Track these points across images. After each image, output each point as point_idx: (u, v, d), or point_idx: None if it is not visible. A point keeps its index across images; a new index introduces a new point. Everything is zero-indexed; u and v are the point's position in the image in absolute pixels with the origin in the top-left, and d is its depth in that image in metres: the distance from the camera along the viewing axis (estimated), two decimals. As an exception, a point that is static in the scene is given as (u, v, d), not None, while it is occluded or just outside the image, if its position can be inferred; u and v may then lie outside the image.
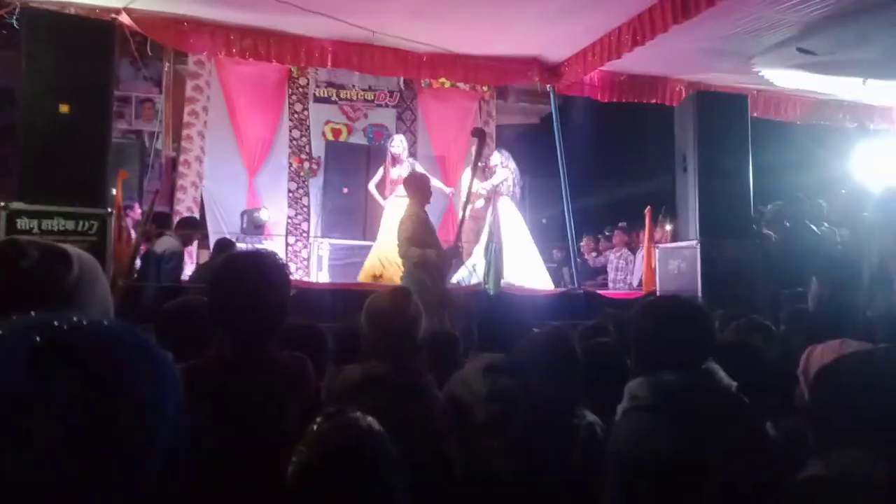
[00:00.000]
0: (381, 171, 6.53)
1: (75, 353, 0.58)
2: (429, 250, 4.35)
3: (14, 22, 4.92)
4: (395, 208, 6.34)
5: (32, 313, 0.62)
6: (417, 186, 4.57)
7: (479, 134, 4.86)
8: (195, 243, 6.92)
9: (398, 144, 6.43)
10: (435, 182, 6.62)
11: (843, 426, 1.31)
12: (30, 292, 1.08)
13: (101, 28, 5.09)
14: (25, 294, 1.07)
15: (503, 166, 6.42)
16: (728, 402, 1.66)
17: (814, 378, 1.56)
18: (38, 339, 0.57)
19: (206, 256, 6.57)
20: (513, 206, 6.48)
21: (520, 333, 2.46)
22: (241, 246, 6.70)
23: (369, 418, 1.29)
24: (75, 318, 0.61)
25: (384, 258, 6.19)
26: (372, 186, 6.63)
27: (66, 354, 0.57)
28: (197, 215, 7.28)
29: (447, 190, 7.05)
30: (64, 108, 4.89)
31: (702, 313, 1.81)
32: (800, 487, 1.31)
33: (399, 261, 6.10)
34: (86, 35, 4.96)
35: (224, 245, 5.86)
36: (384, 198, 6.47)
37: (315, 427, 1.26)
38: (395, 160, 6.38)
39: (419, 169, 6.42)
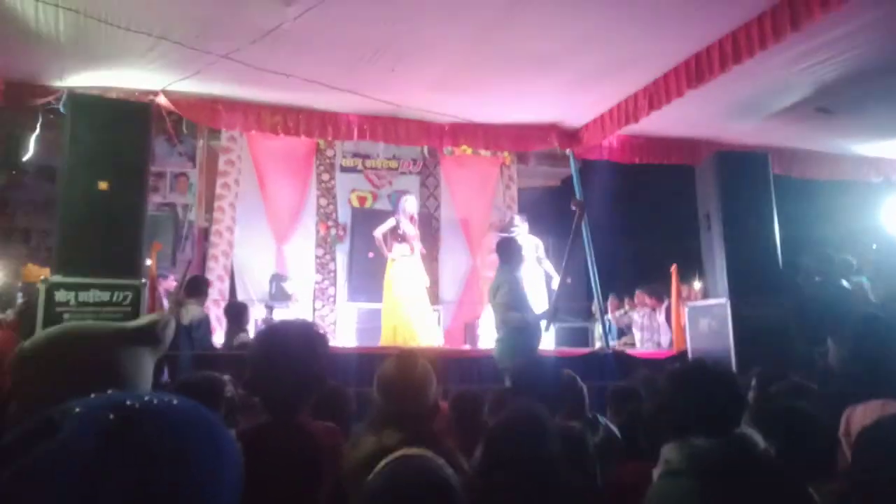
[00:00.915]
0: (391, 221, 6.46)
1: (145, 432, 0.61)
2: (528, 314, 4.56)
3: (61, 107, 5.20)
4: (402, 267, 6.43)
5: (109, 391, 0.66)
6: (511, 251, 4.74)
7: (579, 206, 5.02)
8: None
9: (413, 204, 6.54)
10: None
11: (888, 491, 1.28)
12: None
13: (139, 110, 5.33)
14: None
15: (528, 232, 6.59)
16: (765, 467, 1.62)
17: (855, 440, 1.53)
18: (111, 416, 0.61)
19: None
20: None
21: (554, 395, 2.46)
22: (260, 308, 6.79)
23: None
24: (146, 397, 0.65)
25: (401, 317, 6.28)
26: (378, 234, 6.45)
27: (136, 433, 0.60)
28: (227, 283, 7.43)
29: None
30: (103, 185, 5.10)
31: (729, 377, 1.80)
32: None
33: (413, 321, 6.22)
34: (125, 116, 5.19)
35: (238, 310, 5.93)
36: (389, 249, 6.44)
37: (384, 464, 1.19)
38: (412, 219, 6.48)
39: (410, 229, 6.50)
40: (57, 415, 0.61)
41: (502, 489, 1.65)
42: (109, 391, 0.66)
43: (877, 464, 1.33)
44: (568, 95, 5.68)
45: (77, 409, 0.61)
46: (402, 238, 6.42)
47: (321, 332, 1.84)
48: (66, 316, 4.74)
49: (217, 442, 0.66)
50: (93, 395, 0.65)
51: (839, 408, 2.03)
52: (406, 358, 1.97)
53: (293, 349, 1.68)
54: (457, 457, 1.91)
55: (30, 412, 0.66)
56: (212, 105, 5.79)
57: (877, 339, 4.03)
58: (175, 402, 0.67)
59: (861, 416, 1.88)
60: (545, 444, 1.75)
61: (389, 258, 6.44)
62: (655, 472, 1.68)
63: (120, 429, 0.60)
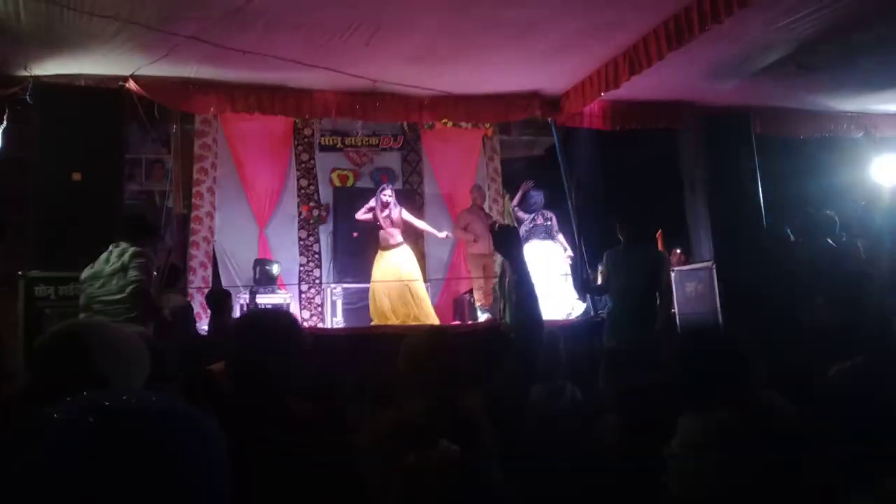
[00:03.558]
0: (371, 204, 6.68)
1: (126, 434, 0.61)
2: None
3: (27, 97, 5.05)
4: (383, 256, 6.55)
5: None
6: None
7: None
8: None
9: (390, 195, 6.68)
10: (421, 225, 6.88)
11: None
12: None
13: (109, 97, 5.26)
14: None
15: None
16: (790, 433, 1.60)
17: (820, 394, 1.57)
18: (91, 420, 0.60)
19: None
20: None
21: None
22: (243, 296, 6.77)
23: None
24: (124, 396, 0.65)
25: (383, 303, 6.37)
26: (359, 215, 6.81)
27: (119, 435, 0.60)
28: (210, 270, 7.35)
29: (440, 234, 7.06)
30: (76, 176, 5.02)
31: (733, 344, 1.79)
32: None
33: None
34: (95, 104, 5.14)
35: (219, 298, 5.86)
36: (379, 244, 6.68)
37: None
38: (385, 206, 6.57)
39: (405, 214, 6.65)
40: (35, 422, 0.61)
41: None
42: (86, 392, 0.66)
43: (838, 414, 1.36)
44: (548, 63, 5.59)
45: (55, 416, 0.61)
46: (380, 226, 6.61)
47: (291, 319, 1.91)
48: (47, 311, 4.68)
49: (199, 435, 0.66)
50: (69, 399, 0.64)
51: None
52: (436, 332, 2.06)
53: (269, 335, 1.75)
54: (485, 434, 1.88)
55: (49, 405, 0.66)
56: (183, 88, 5.64)
57: (869, 297, 4.09)
58: (153, 398, 0.66)
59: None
60: None
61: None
62: (673, 444, 1.66)
63: (101, 432, 0.60)
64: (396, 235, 6.61)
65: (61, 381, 1.12)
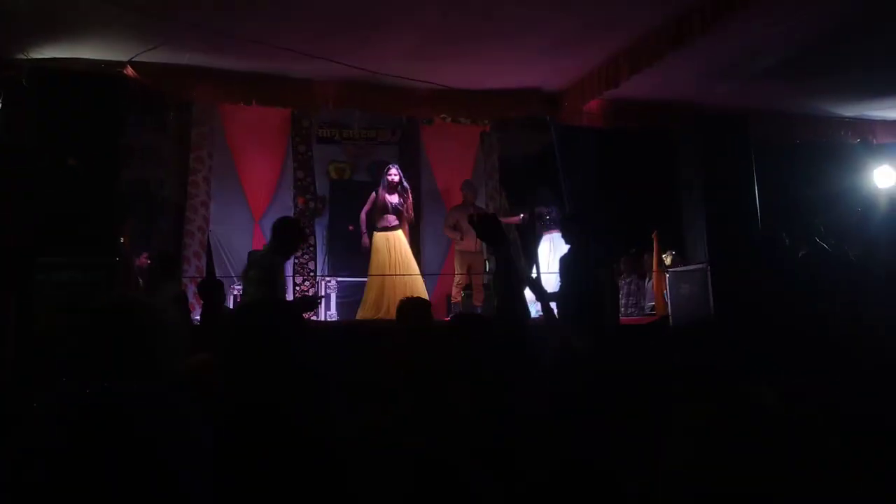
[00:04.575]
0: (371, 197, 6.51)
1: (119, 421, 0.64)
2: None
3: (23, 80, 5.00)
4: (380, 239, 6.44)
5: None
6: None
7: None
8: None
9: (396, 173, 6.52)
10: (408, 216, 6.66)
11: None
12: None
13: (107, 82, 5.21)
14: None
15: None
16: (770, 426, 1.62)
17: None
18: (73, 409, 0.64)
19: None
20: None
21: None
22: (237, 287, 6.72)
23: None
24: (122, 385, 0.69)
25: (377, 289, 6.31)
26: (364, 215, 6.59)
27: (100, 425, 0.63)
28: (203, 260, 7.32)
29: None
30: (72, 162, 4.98)
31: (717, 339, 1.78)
32: None
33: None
34: (93, 90, 5.09)
35: (210, 288, 5.80)
36: (377, 226, 6.46)
37: None
38: (394, 186, 6.43)
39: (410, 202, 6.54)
40: (22, 410, 0.69)
41: None
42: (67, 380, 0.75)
43: None
44: (547, 59, 5.58)
45: (38, 404, 0.66)
46: (383, 209, 6.43)
47: (288, 314, 1.82)
48: (42, 297, 4.64)
49: (183, 426, 0.68)
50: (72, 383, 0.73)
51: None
52: (419, 328, 2.00)
53: (257, 335, 1.66)
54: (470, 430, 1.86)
55: None
56: (182, 76, 5.60)
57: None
58: (138, 388, 0.70)
59: None
60: None
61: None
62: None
63: (82, 422, 0.63)
64: (396, 218, 6.46)
65: (111, 353, 1.18)
